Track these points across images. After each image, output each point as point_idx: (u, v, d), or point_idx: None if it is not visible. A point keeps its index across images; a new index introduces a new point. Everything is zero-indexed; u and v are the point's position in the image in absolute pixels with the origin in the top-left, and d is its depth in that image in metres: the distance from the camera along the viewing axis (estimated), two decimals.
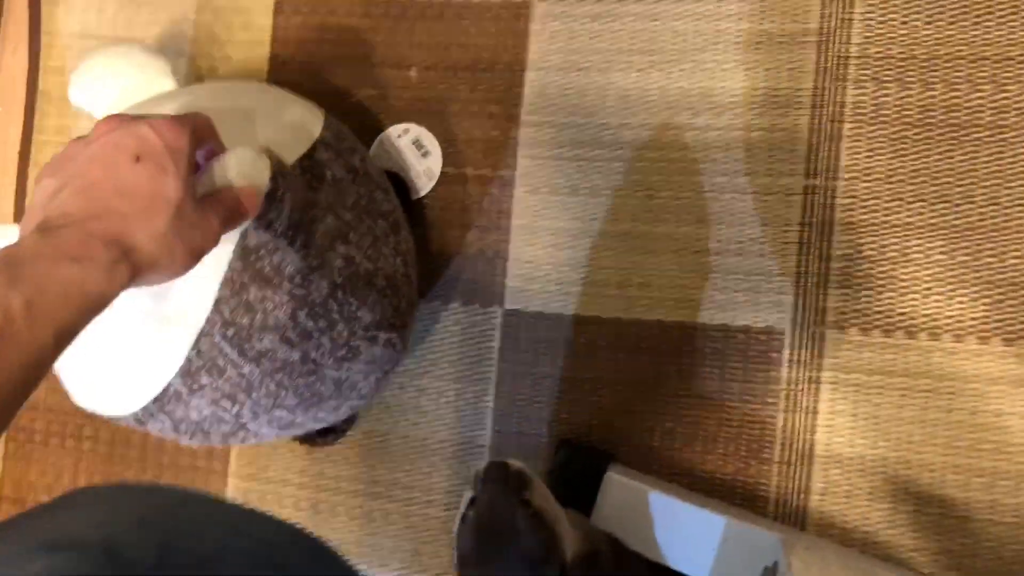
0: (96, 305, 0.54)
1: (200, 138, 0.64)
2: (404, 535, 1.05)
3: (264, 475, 1.08)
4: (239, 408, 0.83)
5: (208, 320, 0.78)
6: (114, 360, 0.82)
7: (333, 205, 0.83)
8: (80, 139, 0.61)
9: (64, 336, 0.52)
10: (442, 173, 1.05)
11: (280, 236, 0.76)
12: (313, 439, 1.03)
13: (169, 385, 0.81)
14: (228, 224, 0.65)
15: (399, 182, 1.05)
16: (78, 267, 0.52)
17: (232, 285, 0.78)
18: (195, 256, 0.61)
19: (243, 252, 0.77)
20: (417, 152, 1.05)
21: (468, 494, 0.83)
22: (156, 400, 0.82)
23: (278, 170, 0.72)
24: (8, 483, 1.13)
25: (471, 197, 1.05)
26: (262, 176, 0.70)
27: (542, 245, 1.03)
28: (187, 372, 0.80)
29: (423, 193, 1.05)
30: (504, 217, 1.04)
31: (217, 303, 0.78)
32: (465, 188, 1.05)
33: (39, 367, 0.50)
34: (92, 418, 1.09)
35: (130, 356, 0.82)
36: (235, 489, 1.09)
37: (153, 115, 0.62)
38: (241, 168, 0.69)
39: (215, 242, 0.64)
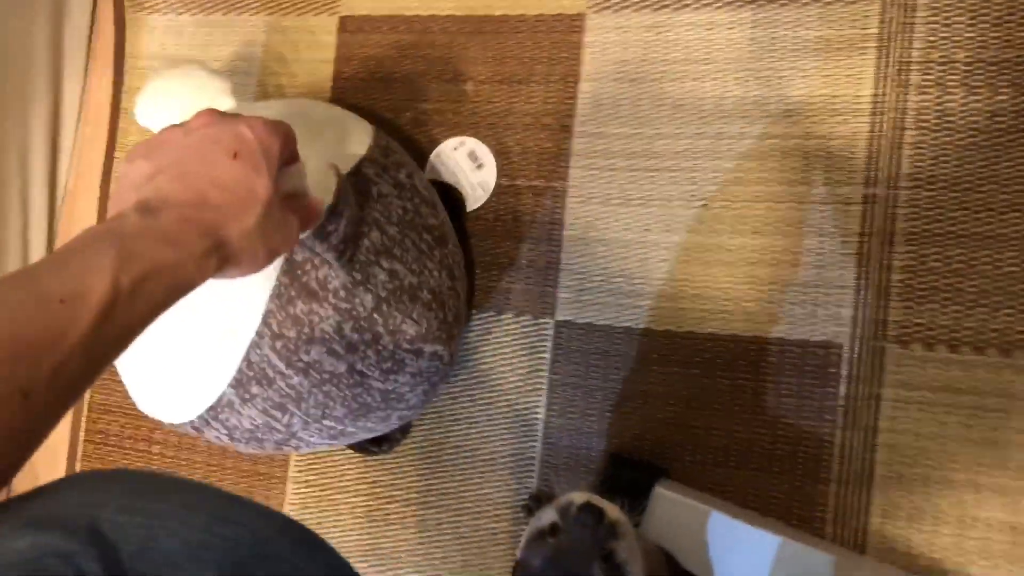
0: (183, 291, 0.55)
1: (285, 145, 0.66)
2: (454, 545, 1.05)
3: (321, 481, 1.10)
4: (289, 418, 0.85)
5: (258, 332, 0.80)
6: (172, 370, 0.86)
7: (378, 220, 0.84)
8: (177, 127, 0.63)
9: (152, 317, 0.54)
10: (496, 185, 1.06)
11: (331, 250, 0.78)
12: (367, 448, 1.05)
13: (223, 395, 0.83)
14: (300, 229, 0.68)
15: (454, 194, 1.06)
16: (174, 252, 0.53)
17: (280, 298, 0.80)
18: (273, 256, 0.63)
19: (290, 266, 0.79)
20: (472, 164, 1.06)
21: (551, 514, 0.81)
22: (211, 409, 0.85)
23: (343, 186, 0.75)
24: None
25: (524, 208, 1.05)
26: (329, 188, 0.73)
27: (594, 256, 1.02)
28: (239, 383, 0.82)
29: (478, 205, 1.06)
30: (556, 228, 1.03)
31: (266, 316, 0.80)
32: (518, 199, 1.05)
33: (127, 342, 0.52)
34: (161, 424, 1.14)
35: (186, 366, 0.85)
36: (293, 494, 1.11)
37: (249, 116, 0.64)
38: (314, 177, 0.71)
39: (293, 244, 0.66)
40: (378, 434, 0.97)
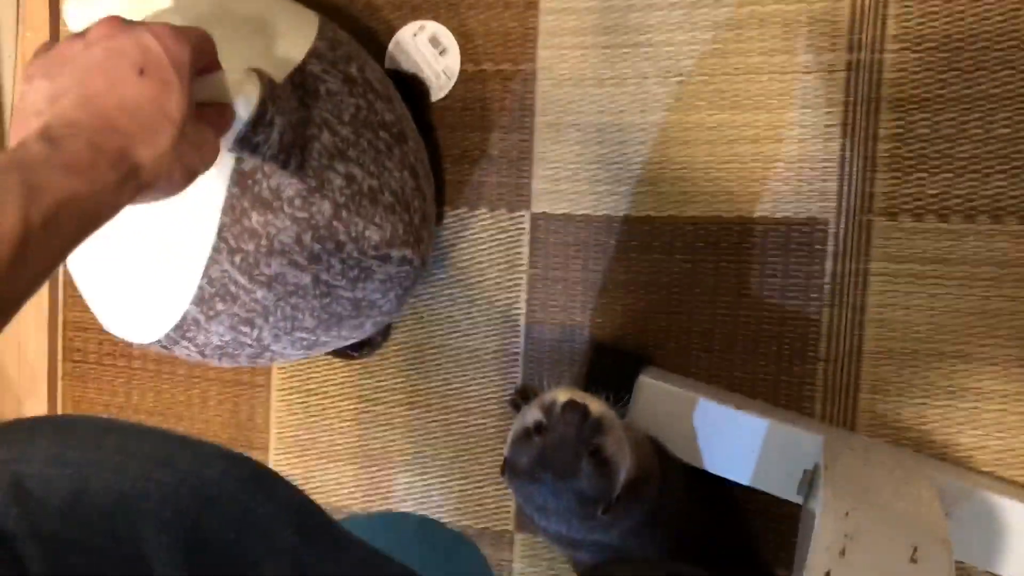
0: (100, 222, 0.52)
1: (199, 53, 0.61)
2: (443, 442, 1.05)
3: (306, 387, 1.09)
4: (258, 332, 0.83)
5: (214, 247, 0.77)
6: (132, 291, 0.83)
7: (328, 121, 0.79)
8: (77, 38, 0.58)
9: (69, 251, 0.51)
10: (460, 71, 1.00)
11: (271, 159, 0.73)
12: (347, 353, 1.03)
13: (186, 313, 0.81)
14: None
15: (417, 85, 1.01)
16: (85, 183, 0.50)
17: (233, 211, 0.76)
18: (192, 176, 0.59)
19: (239, 177, 0.75)
20: (434, 50, 1.00)
21: (535, 413, 0.80)
22: (176, 328, 0.82)
23: (268, 92, 0.69)
24: (68, 401, 1.17)
25: (492, 95, 1.00)
26: (250, 96, 0.67)
27: (569, 143, 0.97)
28: (201, 300, 0.79)
29: (443, 94, 1.01)
30: (528, 115, 0.98)
31: (220, 230, 0.76)
32: (485, 86, 1.00)
33: (43, 278, 0.50)
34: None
35: (146, 287, 0.82)
36: (278, 402, 1.10)
37: (154, 23, 0.58)
38: (231, 87, 0.66)
39: (213, 160, 0.61)
40: (356, 340, 0.95)
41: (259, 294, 0.79)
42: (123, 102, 0.54)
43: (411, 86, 0.99)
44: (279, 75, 0.76)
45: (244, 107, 0.67)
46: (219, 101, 0.65)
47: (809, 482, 0.82)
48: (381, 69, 0.90)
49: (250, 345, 0.84)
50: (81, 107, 0.53)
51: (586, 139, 0.97)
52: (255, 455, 1.10)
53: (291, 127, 0.74)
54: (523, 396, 1.00)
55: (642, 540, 0.82)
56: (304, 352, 0.89)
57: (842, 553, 0.62)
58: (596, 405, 0.79)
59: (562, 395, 0.80)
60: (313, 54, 0.79)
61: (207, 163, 0.60)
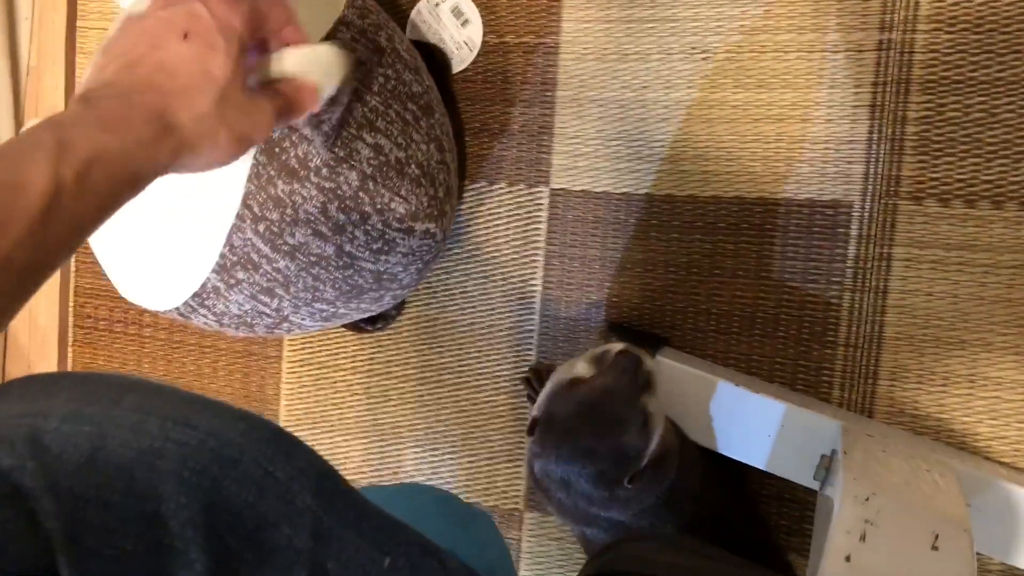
0: (138, 182, 0.51)
1: (262, 20, 0.59)
2: (454, 419, 1.04)
3: (316, 359, 1.08)
4: (278, 302, 0.82)
5: (238, 215, 0.76)
6: (153, 257, 0.82)
7: (359, 91, 0.78)
8: (133, 17, 0.58)
9: (107, 210, 0.50)
10: (482, 43, 0.98)
11: (320, 135, 0.72)
12: (361, 327, 1.02)
13: (207, 281, 0.80)
14: (283, 117, 0.61)
15: (438, 56, 0.99)
16: (117, 138, 0.49)
17: (259, 179, 0.75)
18: (242, 144, 0.57)
19: (266, 144, 0.74)
20: (456, 21, 0.99)
21: (583, 366, 0.78)
22: (196, 296, 0.81)
23: (352, 72, 0.67)
24: (78, 368, 1.17)
25: (514, 68, 0.98)
26: (331, 78, 0.64)
27: (590, 118, 0.96)
28: (223, 268, 0.79)
29: (464, 66, 0.99)
30: (549, 88, 0.97)
31: (245, 197, 0.75)
32: (507, 58, 0.98)
33: (80, 236, 0.49)
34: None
35: (167, 253, 0.81)
36: (288, 373, 1.09)
37: None
38: (310, 65, 0.63)
39: (266, 132, 0.59)
40: (372, 314, 0.94)
41: (281, 264, 0.78)
42: (163, 63, 0.53)
43: (432, 57, 0.98)
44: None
45: (328, 85, 0.64)
46: (286, 75, 0.62)
47: (826, 468, 0.81)
48: (408, 39, 0.89)
49: (269, 315, 0.84)
50: (123, 71, 0.53)
51: (607, 115, 0.95)
52: None
53: (348, 108, 0.73)
54: (537, 374, 0.99)
55: (656, 520, 0.81)
56: (321, 324, 0.88)
57: (862, 538, 0.61)
58: (648, 360, 0.78)
59: (616, 346, 0.78)
60: (343, 22, 0.78)
61: (260, 132, 0.58)
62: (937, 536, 0.62)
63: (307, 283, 0.81)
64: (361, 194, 0.77)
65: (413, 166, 0.81)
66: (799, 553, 0.94)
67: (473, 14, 0.98)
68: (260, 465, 0.43)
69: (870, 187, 0.88)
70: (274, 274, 0.79)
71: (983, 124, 0.85)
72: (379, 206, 0.78)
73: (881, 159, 0.87)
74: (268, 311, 0.83)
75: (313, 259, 0.79)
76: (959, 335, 0.87)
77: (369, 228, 0.79)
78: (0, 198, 0.44)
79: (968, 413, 0.87)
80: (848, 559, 0.59)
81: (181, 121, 0.53)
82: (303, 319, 0.86)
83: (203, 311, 0.83)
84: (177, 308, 0.84)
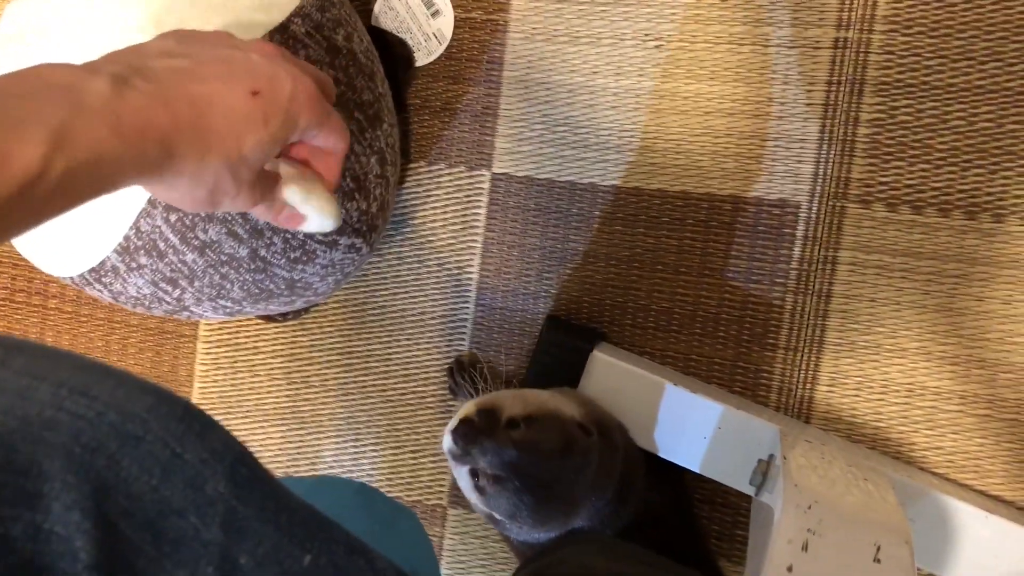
0: (111, 190, 0.45)
1: (318, 130, 0.56)
2: (379, 409, 0.99)
3: (235, 340, 1.02)
4: (181, 292, 0.76)
5: (149, 200, 0.70)
6: (56, 223, 0.75)
7: None
8: (231, 37, 0.54)
9: (70, 208, 0.44)
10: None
11: None
12: (272, 317, 0.96)
13: (106, 259, 0.73)
14: (261, 213, 0.58)
15: (402, 50, 0.93)
16: (123, 148, 0.43)
17: None
18: (206, 206, 0.53)
19: None
20: (427, 11, 0.93)
21: (463, 470, 0.74)
22: (93, 271, 0.75)
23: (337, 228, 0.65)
24: None
25: (459, 43, 0.94)
26: (321, 224, 0.62)
27: (536, 101, 0.92)
28: (125, 250, 0.72)
29: (431, 59, 0.94)
30: (495, 68, 0.93)
31: None
32: (452, 33, 0.94)
33: (30, 227, 0.43)
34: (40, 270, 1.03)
35: (70, 222, 0.74)
36: (204, 354, 1.03)
37: (309, 72, 0.56)
38: (313, 207, 0.60)
39: (232, 210, 0.56)
40: (282, 312, 0.88)
41: (189, 257, 0.72)
42: (214, 97, 0.48)
43: (393, 51, 0.92)
44: (256, 33, 0.69)
45: (312, 227, 0.62)
46: (298, 205, 0.60)
47: (763, 473, 0.79)
48: (369, 38, 0.83)
49: (168, 303, 0.77)
50: (173, 74, 0.48)
51: (555, 99, 0.92)
52: None
53: None
54: (460, 365, 0.95)
55: (601, 524, 0.78)
56: (225, 316, 0.83)
57: (804, 548, 0.58)
58: (467, 407, 0.74)
59: (446, 438, 0.74)
60: (299, 13, 0.72)
61: (236, 208, 0.55)
62: (879, 548, 0.59)
63: (214, 280, 0.75)
64: None
65: (348, 179, 0.75)
66: (729, 559, 0.92)
67: (445, 5, 0.93)
68: (167, 445, 0.38)
69: (819, 188, 0.86)
70: (180, 266, 0.73)
71: (934, 130, 0.83)
72: None
73: (831, 160, 0.86)
74: (168, 299, 0.77)
75: (224, 258, 0.73)
76: (900, 343, 0.86)
77: (289, 236, 0.74)
78: None
79: (905, 422, 0.86)
80: (790, 569, 0.56)
81: (182, 164, 0.48)
82: (205, 311, 0.80)
83: (99, 286, 0.77)
84: (71, 278, 0.77)
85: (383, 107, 0.81)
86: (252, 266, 0.74)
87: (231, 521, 0.38)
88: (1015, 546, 0.78)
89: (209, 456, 0.39)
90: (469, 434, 0.71)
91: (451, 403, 0.97)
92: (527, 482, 0.70)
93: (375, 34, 0.88)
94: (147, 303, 0.76)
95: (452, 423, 0.73)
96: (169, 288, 0.74)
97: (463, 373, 0.95)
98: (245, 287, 0.76)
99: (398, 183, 0.89)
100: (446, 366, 0.97)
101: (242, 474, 0.40)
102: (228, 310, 0.79)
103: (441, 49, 0.93)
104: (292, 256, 0.75)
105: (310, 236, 0.74)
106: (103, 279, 0.74)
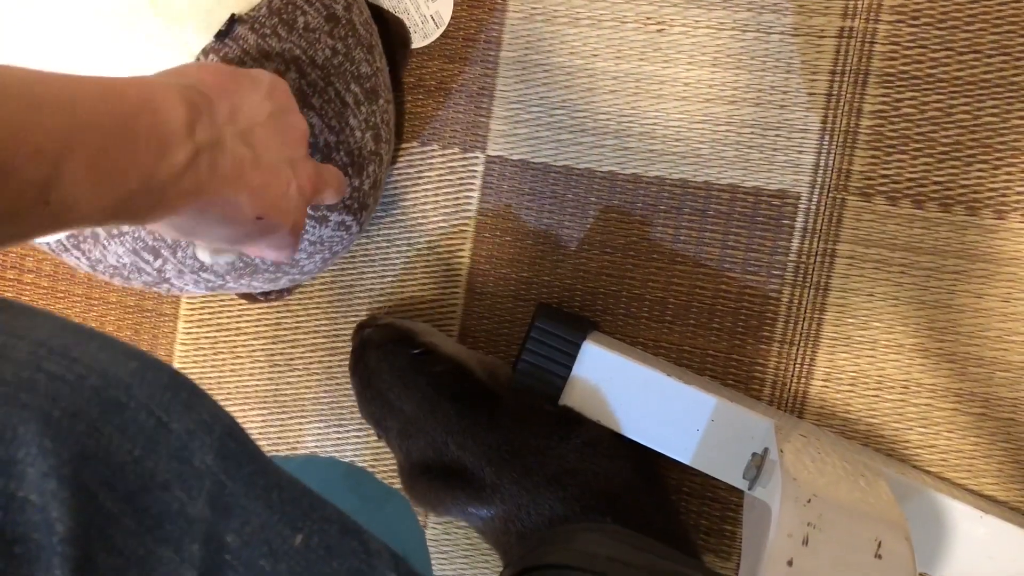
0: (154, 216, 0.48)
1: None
2: None
3: (217, 320, 0.99)
4: (162, 263, 0.73)
5: None
6: None
7: (299, 60, 0.70)
8: (305, 138, 0.62)
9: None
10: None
11: None
12: (254, 296, 0.94)
13: None
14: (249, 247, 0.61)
15: (399, 30, 0.90)
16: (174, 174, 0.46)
17: None
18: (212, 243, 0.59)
19: None
20: None
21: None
22: (71, 236, 0.72)
23: None
24: None
25: (456, 21, 0.91)
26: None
27: (534, 83, 0.90)
28: None
29: (427, 43, 0.91)
30: (492, 47, 0.91)
31: None
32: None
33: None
34: (35, 248, 1.00)
35: None
36: (184, 334, 1.00)
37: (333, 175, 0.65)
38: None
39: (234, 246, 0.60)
40: (266, 290, 0.86)
41: None
42: (235, 202, 0.53)
43: (390, 29, 0.89)
44: None
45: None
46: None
47: (757, 467, 0.77)
48: (368, 10, 0.80)
49: (149, 274, 0.75)
50: (234, 166, 0.52)
51: (553, 81, 0.89)
52: None
53: (254, 56, 0.66)
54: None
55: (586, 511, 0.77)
56: (206, 291, 0.80)
57: (805, 542, 0.57)
58: (381, 320, 0.82)
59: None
60: None
61: (235, 247, 0.62)
62: (880, 543, 0.58)
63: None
64: None
65: (342, 153, 0.73)
66: (717, 555, 0.90)
67: None
68: (152, 413, 0.35)
69: (819, 179, 0.85)
70: (163, 235, 0.71)
71: (938, 123, 0.82)
72: None
73: (833, 151, 0.84)
74: (149, 269, 0.74)
75: None
76: (897, 339, 0.84)
77: None
78: (77, 195, 0.40)
79: (900, 419, 0.85)
80: (790, 563, 0.55)
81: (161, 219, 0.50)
82: (186, 284, 0.77)
83: (77, 253, 0.74)
84: (47, 242, 0.74)
85: (380, 82, 0.79)
86: None
87: (219, 497, 0.36)
88: (1011, 547, 0.77)
89: (197, 427, 0.37)
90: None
91: None
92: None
93: (373, 10, 0.86)
94: (126, 272, 0.74)
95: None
96: (150, 258, 0.72)
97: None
98: (230, 260, 0.74)
99: (390, 163, 0.87)
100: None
101: (231, 448, 0.38)
102: (210, 284, 0.76)
103: (438, 32, 0.91)
104: None
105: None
106: (81, 245, 0.71)
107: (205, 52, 0.65)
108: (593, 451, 0.82)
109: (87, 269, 0.75)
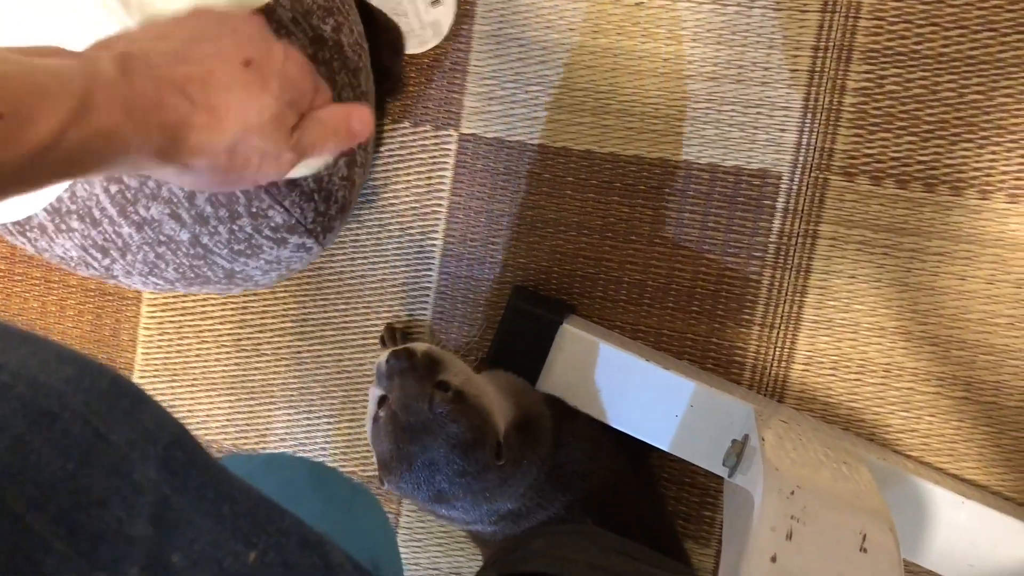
0: (109, 171, 0.46)
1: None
2: (335, 379, 0.94)
3: (181, 304, 0.96)
4: (111, 263, 0.70)
5: None
6: None
7: None
8: (211, 13, 0.54)
9: (67, 179, 0.45)
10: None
11: None
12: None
13: (34, 216, 0.67)
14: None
15: (394, 38, 0.86)
16: (131, 130, 0.44)
17: None
18: (231, 184, 0.54)
19: None
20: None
21: (375, 392, 0.72)
22: (18, 224, 0.68)
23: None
24: None
25: None
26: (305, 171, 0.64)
27: (508, 58, 0.87)
28: (56, 211, 0.66)
29: (423, 50, 0.87)
30: (466, 20, 0.87)
31: None
32: None
33: (35, 188, 0.43)
34: None
35: None
36: (148, 318, 0.97)
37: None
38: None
39: (263, 182, 0.56)
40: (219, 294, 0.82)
41: (125, 231, 0.66)
42: (208, 74, 0.49)
43: (381, 33, 0.85)
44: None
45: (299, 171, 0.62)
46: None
47: (737, 454, 0.75)
48: (362, 28, 0.75)
49: (96, 269, 0.71)
50: (168, 57, 0.48)
51: (528, 56, 0.86)
52: None
53: None
54: (391, 333, 0.91)
55: (544, 499, 0.74)
56: (155, 291, 0.77)
57: (789, 536, 0.55)
58: (419, 345, 0.72)
59: (382, 356, 0.72)
60: None
61: (260, 179, 0.55)
62: (865, 536, 0.56)
63: (148, 257, 0.69)
64: (239, 193, 0.66)
65: (311, 179, 0.69)
66: (696, 541, 0.89)
67: None
68: (88, 424, 0.32)
69: (801, 158, 0.82)
70: (114, 237, 0.67)
71: (923, 101, 0.80)
72: (254, 209, 0.67)
73: (815, 129, 0.82)
74: (96, 266, 0.71)
75: (163, 238, 0.67)
76: (879, 322, 0.83)
77: (236, 229, 0.67)
78: (5, 123, 0.39)
79: (881, 403, 0.84)
80: (774, 559, 0.53)
81: (191, 141, 0.48)
82: (134, 283, 0.74)
83: (22, 239, 0.71)
84: None
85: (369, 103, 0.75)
86: (191, 251, 0.68)
87: (163, 513, 0.33)
88: (992, 532, 0.76)
89: (139, 437, 0.34)
90: (403, 366, 0.69)
91: None
92: (412, 443, 0.68)
93: (364, 11, 0.81)
94: (72, 264, 0.70)
95: (398, 346, 0.72)
96: (99, 256, 0.68)
97: (395, 343, 0.90)
98: (180, 270, 0.70)
99: (364, 182, 0.83)
100: (379, 336, 0.92)
101: (178, 458, 0.35)
102: (159, 287, 0.73)
103: (435, 41, 0.87)
104: (236, 248, 0.69)
105: (265, 219, 0.69)
106: (28, 234, 0.68)
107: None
108: (580, 448, 0.80)
109: (32, 252, 0.72)
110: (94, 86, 0.42)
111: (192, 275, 0.71)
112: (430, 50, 0.88)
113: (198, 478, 0.36)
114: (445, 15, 0.86)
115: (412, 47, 0.87)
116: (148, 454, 0.34)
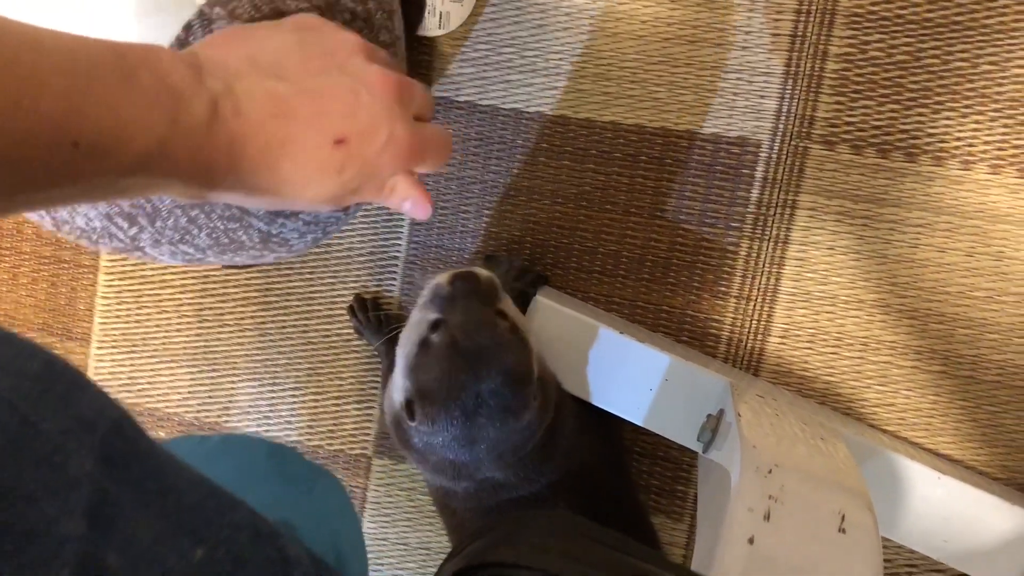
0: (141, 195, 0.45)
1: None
2: (301, 350, 0.91)
3: (140, 273, 0.93)
4: (138, 231, 0.66)
5: None
6: None
7: None
8: (354, 53, 0.51)
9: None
10: None
11: None
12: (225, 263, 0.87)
13: None
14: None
15: (413, 6, 0.82)
16: (179, 176, 0.43)
17: None
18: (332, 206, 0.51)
19: None
20: None
21: (426, 316, 0.67)
22: None
23: None
24: None
25: None
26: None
27: (481, 17, 0.84)
28: None
29: (427, 35, 0.83)
30: None
31: None
32: None
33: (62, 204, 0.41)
34: None
35: None
36: (106, 287, 0.93)
37: (419, 89, 0.54)
38: None
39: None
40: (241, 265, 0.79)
41: None
42: (293, 139, 0.47)
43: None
44: None
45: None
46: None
47: (712, 429, 0.74)
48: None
49: (121, 240, 0.67)
50: (267, 101, 0.46)
51: (501, 17, 0.83)
52: (73, 348, 0.93)
53: None
54: (361, 303, 0.88)
55: (531, 475, 0.72)
56: (183, 263, 0.73)
57: (767, 517, 0.53)
58: (481, 271, 0.68)
59: (442, 277, 0.68)
60: None
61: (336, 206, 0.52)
62: (844, 517, 0.55)
63: (179, 223, 0.65)
64: None
65: None
66: (668, 515, 0.87)
67: None
68: (16, 410, 0.29)
69: (781, 126, 0.80)
70: (143, 201, 0.63)
71: (906, 68, 0.78)
72: None
73: (796, 96, 0.80)
74: (122, 236, 0.67)
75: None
76: (857, 294, 0.81)
77: None
78: (104, 139, 0.38)
79: (858, 377, 0.82)
80: (751, 541, 0.51)
81: (227, 192, 0.47)
82: (162, 255, 0.70)
83: (41, 211, 0.67)
84: None
85: (398, 52, 0.71)
86: (227, 213, 0.65)
87: (99, 508, 0.31)
88: (967, 508, 0.76)
89: (74, 425, 0.31)
90: (470, 288, 0.64)
91: (369, 346, 0.89)
92: (466, 371, 0.63)
93: None
94: (95, 237, 0.66)
95: (459, 270, 0.67)
96: (125, 225, 0.64)
97: (365, 313, 0.87)
98: (214, 235, 0.66)
99: None
100: (346, 305, 0.89)
101: (117, 447, 0.32)
102: (188, 256, 0.69)
103: (439, 32, 0.83)
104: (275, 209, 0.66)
105: None
106: None
107: (210, 4, 0.57)
108: (568, 423, 0.78)
109: (51, 228, 0.68)
110: (173, 134, 0.41)
111: (226, 240, 0.67)
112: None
113: (140, 469, 0.33)
114: (457, 12, 0.83)
115: (423, 28, 0.84)
116: (84, 443, 0.31)
